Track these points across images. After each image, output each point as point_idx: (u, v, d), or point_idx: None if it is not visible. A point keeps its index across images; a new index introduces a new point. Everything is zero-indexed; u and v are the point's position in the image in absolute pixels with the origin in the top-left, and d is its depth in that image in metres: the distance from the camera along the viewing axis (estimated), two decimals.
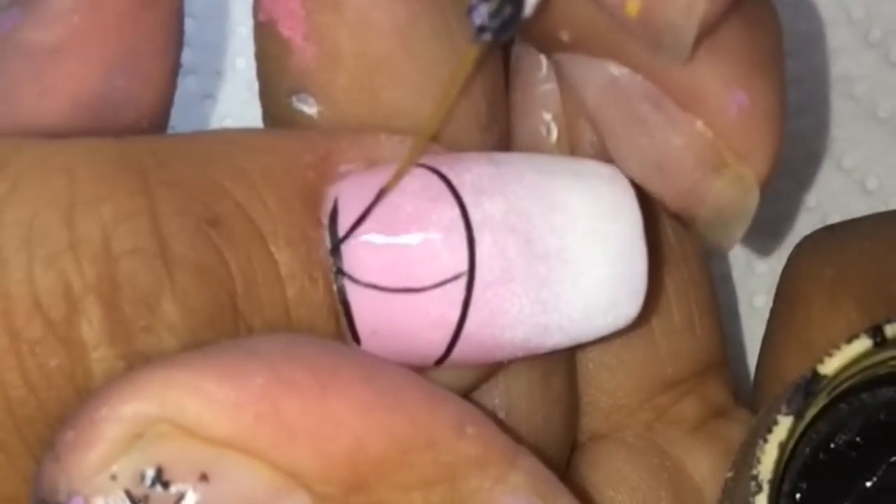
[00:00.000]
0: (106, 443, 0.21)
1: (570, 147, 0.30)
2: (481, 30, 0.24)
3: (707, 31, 0.26)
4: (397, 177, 0.25)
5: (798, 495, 0.28)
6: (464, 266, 0.25)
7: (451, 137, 0.27)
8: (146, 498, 0.21)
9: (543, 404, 0.29)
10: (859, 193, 0.39)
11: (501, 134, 0.29)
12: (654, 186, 0.28)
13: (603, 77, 0.27)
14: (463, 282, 0.25)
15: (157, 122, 0.27)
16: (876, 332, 0.26)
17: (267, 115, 0.28)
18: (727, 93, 0.27)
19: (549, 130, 0.30)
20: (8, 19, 0.25)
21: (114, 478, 0.21)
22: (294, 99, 0.26)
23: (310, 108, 0.26)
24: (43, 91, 0.25)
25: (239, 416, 0.22)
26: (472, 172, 0.25)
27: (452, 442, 0.23)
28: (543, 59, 0.29)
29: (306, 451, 0.22)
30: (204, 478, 0.22)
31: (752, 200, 0.28)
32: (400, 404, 0.23)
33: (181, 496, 0.21)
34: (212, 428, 0.22)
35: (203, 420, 0.22)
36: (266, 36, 0.27)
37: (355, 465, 0.22)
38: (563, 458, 0.31)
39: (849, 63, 0.39)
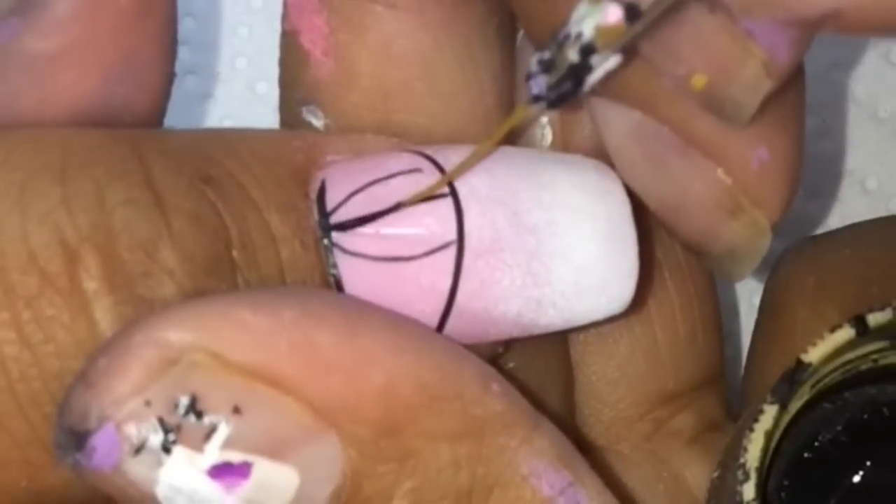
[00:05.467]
0: (140, 368, 0.21)
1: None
2: (537, 98, 0.24)
3: (767, 103, 0.26)
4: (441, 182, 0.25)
5: (783, 493, 0.28)
6: (452, 235, 0.25)
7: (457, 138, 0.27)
8: (179, 427, 0.21)
9: None
10: (859, 193, 0.39)
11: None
12: (671, 223, 0.29)
13: (628, 122, 0.28)
14: (453, 250, 0.25)
15: (151, 126, 0.27)
16: (859, 321, 0.26)
17: (281, 123, 0.28)
18: (750, 148, 0.27)
19: (543, 135, 0.30)
20: (7, 29, 0.25)
21: (147, 404, 0.21)
22: (304, 110, 0.27)
23: (318, 121, 0.27)
24: (42, 99, 0.25)
25: (273, 344, 0.22)
26: (458, 154, 0.26)
27: (479, 395, 0.23)
28: None
29: (339, 384, 0.22)
30: (237, 410, 0.22)
31: (764, 242, 0.28)
32: (427, 351, 0.23)
33: (213, 428, 0.21)
34: (246, 354, 0.22)
35: (237, 346, 0.22)
36: (288, 45, 0.27)
37: (386, 406, 0.22)
38: None
39: (849, 63, 0.39)
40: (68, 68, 0.25)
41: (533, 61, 0.24)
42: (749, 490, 0.26)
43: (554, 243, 0.26)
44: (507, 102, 0.28)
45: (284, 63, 0.28)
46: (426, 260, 0.25)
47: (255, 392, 0.22)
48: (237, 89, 0.30)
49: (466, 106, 0.27)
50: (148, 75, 0.26)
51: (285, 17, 0.27)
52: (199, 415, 0.21)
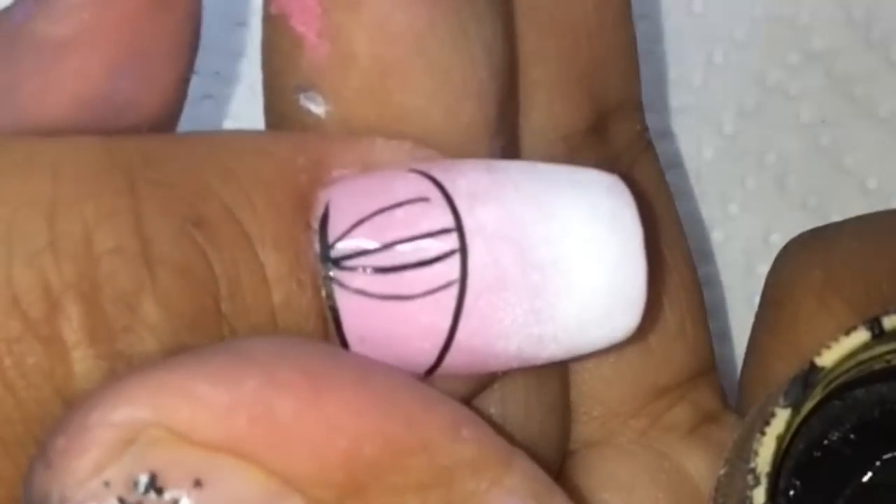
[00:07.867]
0: (98, 448, 0.21)
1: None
2: None
3: None
4: None
5: (792, 492, 0.28)
6: (455, 274, 0.24)
7: (457, 144, 0.26)
8: None
9: (539, 411, 0.29)
10: (859, 193, 0.39)
11: (508, 141, 0.28)
12: None
13: None
14: (454, 290, 0.24)
15: (161, 128, 0.27)
16: (874, 323, 0.26)
17: (270, 112, 0.27)
18: None
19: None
20: (21, 11, 0.25)
21: (107, 484, 0.21)
22: (301, 97, 0.26)
23: (317, 107, 0.26)
24: (46, 85, 0.25)
25: (232, 420, 0.21)
26: (468, 178, 0.25)
27: (447, 444, 0.23)
28: None
29: (301, 454, 0.22)
30: (198, 484, 0.21)
31: None
32: (394, 406, 0.23)
33: (175, 502, 0.21)
34: (205, 432, 0.21)
35: (196, 424, 0.21)
36: (276, 30, 0.26)
37: (350, 469, 0.22)
38: (557, 464, 0.31)
39: (849, 63, 0.39)
40: (74, 56, 0.25)
41: None
42: (759, 495, 0.25)
43: (559, 280, 0.25)
44: (499, 74, 0.27)
45: (272, 49, 0.26)
46: (428, 299, 0.24)
47: (216, 464, 0.21)
48: (237, 89, 0.30)
49: (460, 81, 0.26)
50: (158, 73, 0.26)
51: (270, 0, 0.26)
52: (160, 491, 0.21)
